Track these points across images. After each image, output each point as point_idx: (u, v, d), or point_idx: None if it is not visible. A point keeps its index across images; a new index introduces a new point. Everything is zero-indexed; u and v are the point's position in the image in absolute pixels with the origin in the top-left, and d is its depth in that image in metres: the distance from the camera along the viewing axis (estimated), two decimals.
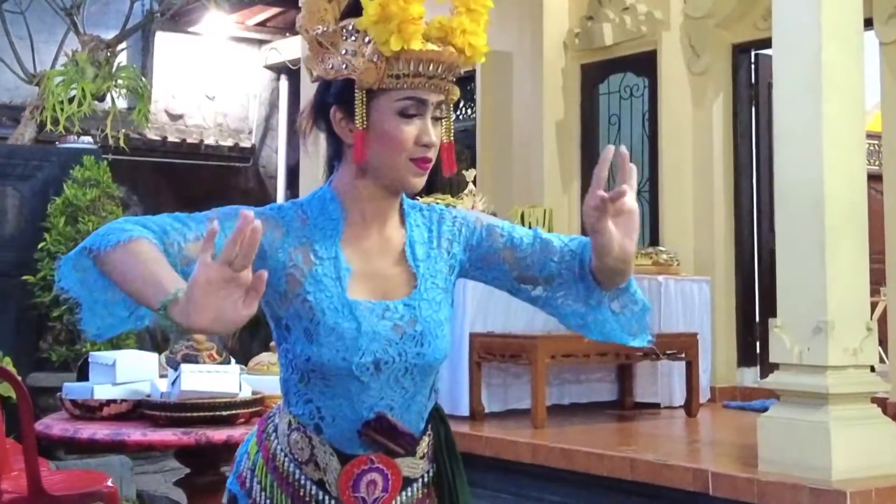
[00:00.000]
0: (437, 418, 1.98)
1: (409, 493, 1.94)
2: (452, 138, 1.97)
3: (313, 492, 1.89)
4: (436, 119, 1.90)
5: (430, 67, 1.86)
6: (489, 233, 2.01)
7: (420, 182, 1.90)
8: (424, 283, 1.92)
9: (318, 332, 1.83)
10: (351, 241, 1.91)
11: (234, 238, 1.48)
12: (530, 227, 2.06)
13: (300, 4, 1.94)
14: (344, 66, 1.86)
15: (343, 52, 1.87)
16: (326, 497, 1.89)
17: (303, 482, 1.89)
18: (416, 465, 1.94)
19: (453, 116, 1.99)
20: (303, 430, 1.90)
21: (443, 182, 10.32)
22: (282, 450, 1.92)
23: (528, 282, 2.02)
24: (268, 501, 1.90)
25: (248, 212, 1.51)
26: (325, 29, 1.90)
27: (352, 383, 1.84)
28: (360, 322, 1.84)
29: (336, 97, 1.89)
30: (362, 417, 1.86)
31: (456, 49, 1.90)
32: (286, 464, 1.91)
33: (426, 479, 1.96)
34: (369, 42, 1.84)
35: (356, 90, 1.85)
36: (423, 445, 1.96)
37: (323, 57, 1.90)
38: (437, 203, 2.10)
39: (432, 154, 1.89)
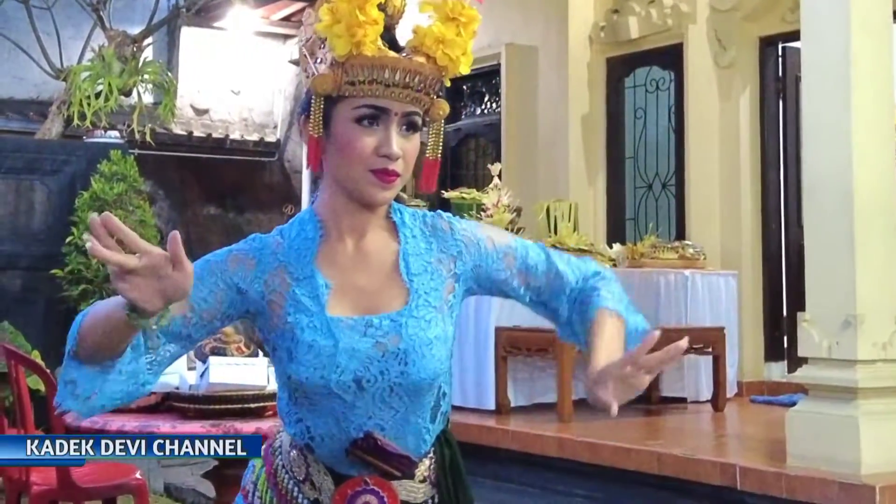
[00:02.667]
0: (443, 441, 1.89)
1: None
2: (439, 156, 1.87)
3: None
4: (411, 130, 1.81)
5: (389, 74, 1.76)
6: (503, 255, 1.93)
7: (383, 195, 1.80)
8: (416, 300, 1.83)
9: (297, 350, 1.77)
10: (327, 257, 1.84)
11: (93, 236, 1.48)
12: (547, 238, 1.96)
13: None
14: (311, 74, 1.82)
15: (316, 60, 1.82)
16: None
17: (300, 501, 1.84)
18: (415, 489, 1.86)
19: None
20: (299, 448, 1.85)
21: (468, 177, 10.35)
22: (283, 466, 1.87)
23: (536, 293, 1.98)
24: None
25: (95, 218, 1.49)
26: (309, 38, 1.84)
27: (335, 402, 1.78)
28: (337, 339, 1.77)
29: (303, 106, 1.85)
30: (351, 437, 1.79)
31: (429, 58, 1.80)
32: (286, 481, 1.86)
33: None
34: (330, 49, 1.78)
35: (313, 97, 1.80)
36: (423, 468, 1.87)
37: (305, 67, 1.85)
38: (445, 213, 1.96)
39: (397, 167, 1.78)
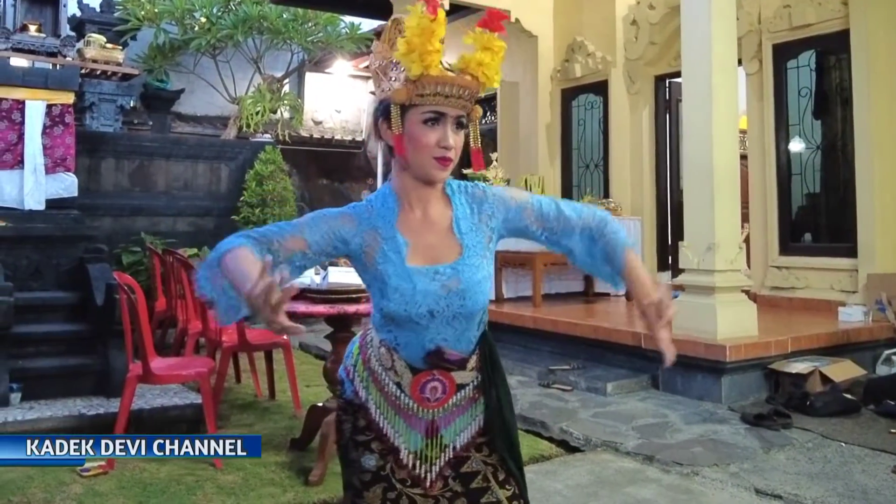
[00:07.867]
0: (485, 341, 1.67)
1: (462, 394, 1.64)
2: (479, 145, 1.63)
3: (394, 389, 1.64)
4: (459, 128, 1.57)
5: (447, 89, 1.53)
6: (523, 209, 1.66)
7: (442, 175, 1.56)
8: (468, 252, 1.59)
9: (387, 291, 1.55)
10: (404, 222, 1.59)
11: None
12: (543, 196, 1.72)
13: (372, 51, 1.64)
14: (388, 89, 1.57)
15: (390, 79, 1.57)
16: (402, 395, 1.64)
17: (386, 381, 1.64)
18: (466, 376, 1.64)
19: (482, 124, 1.60)
20: (387, 346, 1.63)
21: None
22: (374, 356, 1.65)
23: (550, 233, 1.69)
24: (363, 389, 1.67)
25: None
26: (381, 63, 1.60)
27: (414, 325, 1.57)
28: (415, 283, 1.54)
29: (383, 112, 1.59)
30: (425, 347, 1.59)
31: (472, 76, 1.56)
32: (376, 367, 1.65)
33: (475, 384, 1.67)
34: (403, 70, 1.54)
35: (392, 106, 1.54)
36: (472, 361, 1.65)
37: (380, 83, 1.60)
38: (480, 183, 1.71)
39: (451, 154, 1.54)
